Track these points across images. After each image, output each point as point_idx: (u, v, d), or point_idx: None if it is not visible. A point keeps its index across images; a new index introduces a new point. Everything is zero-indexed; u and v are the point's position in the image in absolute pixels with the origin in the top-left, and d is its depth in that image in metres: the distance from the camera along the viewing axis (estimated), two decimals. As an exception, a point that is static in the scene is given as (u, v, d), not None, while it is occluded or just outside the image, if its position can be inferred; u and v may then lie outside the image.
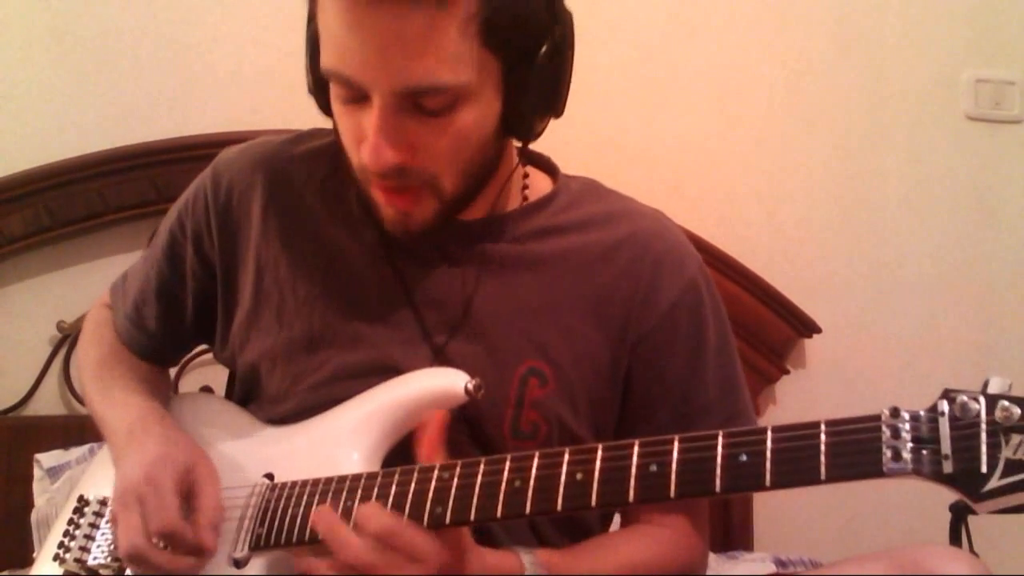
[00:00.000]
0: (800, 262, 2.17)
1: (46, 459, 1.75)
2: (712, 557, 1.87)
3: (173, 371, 1.82)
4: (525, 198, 1.10)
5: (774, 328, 2.10)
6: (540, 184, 1.12)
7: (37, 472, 1.74)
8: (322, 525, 0.88)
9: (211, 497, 0.97)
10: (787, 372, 2.12)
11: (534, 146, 1.06)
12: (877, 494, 2.15)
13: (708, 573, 1.77)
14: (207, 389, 1.70)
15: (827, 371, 2.16)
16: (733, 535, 2.04)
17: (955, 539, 1.66)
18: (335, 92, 0.95)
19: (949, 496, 1.88)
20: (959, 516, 1.68)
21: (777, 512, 2.11)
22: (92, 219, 1.90)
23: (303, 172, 1.12)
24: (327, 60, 0.92)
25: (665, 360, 1.07)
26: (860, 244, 2.20)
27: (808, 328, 2.12)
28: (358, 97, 0.92)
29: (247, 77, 1.98)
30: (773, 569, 1.82)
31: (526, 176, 1.10)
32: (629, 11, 2.13)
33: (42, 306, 1.90)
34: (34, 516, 1.67)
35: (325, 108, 1.01)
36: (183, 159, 1.87)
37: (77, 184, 1.89)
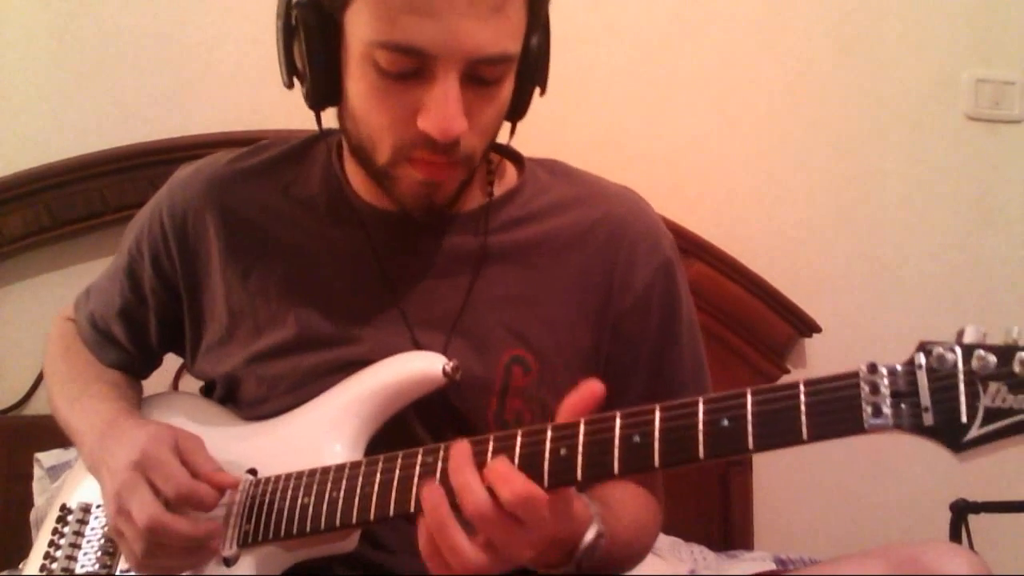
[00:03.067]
0: (800, 262, 2.17)
1: (46, 458, 1.75)
2: (712, 557, 1.87)
3: (173, 370, 1.83)
4: (491, 184, 1.09)
5: (774, 328, 2.10)
6: (508, 173, 1.13)
7: (37, 471, 1.74)
8: (453, 461, 0.82)
9: (204, 456, 0.97)
10: (787, 372, 2.12)
11: (518, 146, 1.06)
12: (878, 494, 2.16)
13: (708, 573, 1.78)
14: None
15: (827, 371, 2.12)
16: (733, 535, 2.04)
17: (955, 538, 1.67)
18: (381, 67, 0.91)
19: (949, 496, 1.89)
20: (960, 516, 1.69)
21: (777, 512, 2.12)
22: (92, 219, 1.90)
23: (262, 184, 1.11)
24: (389, 33, 0.89)
25: (639, 338, 1.08)
26: (860, 244, 2.20)
27: (808, 328, 2.12)
28: (412, 70, 0.91)
29: (247, 77, 1.98)
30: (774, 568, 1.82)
31: (490, 164, 1.10)
32: (629, 11, 2.13)
33: (42, 306, 1.90)
34: (34, 515, 1.67)
35: (320, 94, 0.98)
36: (183, 159, 1.84)
37: (77, 184, 1.89)
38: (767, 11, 2.17)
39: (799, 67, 2.18)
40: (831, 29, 2.19)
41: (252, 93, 1.98)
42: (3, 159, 1.90)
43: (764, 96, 2.17)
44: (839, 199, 2.20)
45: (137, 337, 1.18)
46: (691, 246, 2.04)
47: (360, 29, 0.91)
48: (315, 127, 1.07)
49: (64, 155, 1.90)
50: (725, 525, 2.05)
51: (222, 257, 1.09)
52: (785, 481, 2.12)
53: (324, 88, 0.97)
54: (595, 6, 2.11)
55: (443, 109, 0.90)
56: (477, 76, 0.92)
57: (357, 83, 0.94)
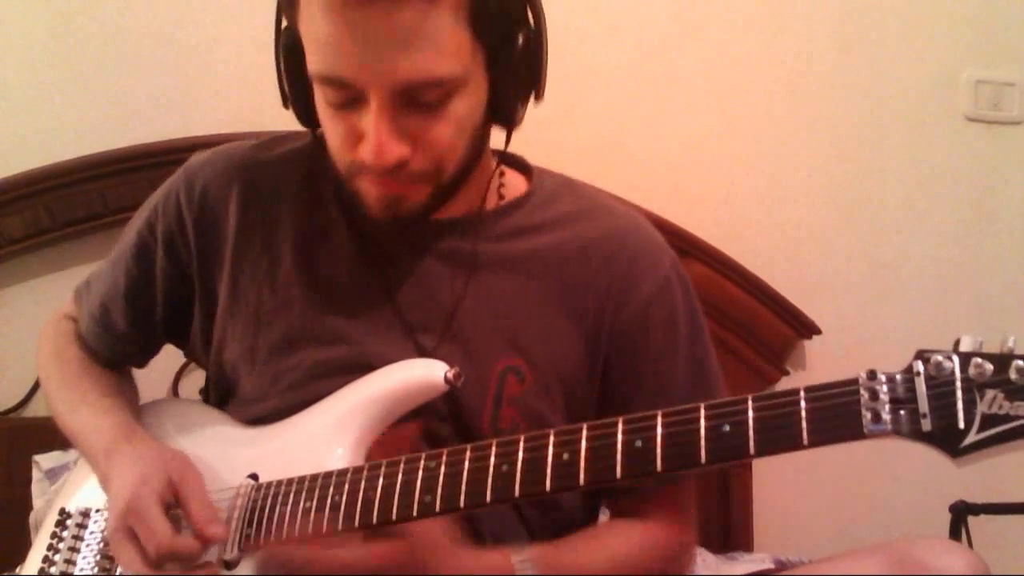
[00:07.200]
0: (800, 262, 2.17)
1: (45, 460, 1.75)
2: (712, 558, 1.87)
3: (173, 371, 1.83)
4: (501, 197, 1.10)
5: (774, 329, 2.10)
6: (515, 183, 1.13)
7: (36, 473, 1.74)
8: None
9: (196, 494, 0.96)
10: (787, 373, 2.12)
11: (517, 147, 1.06)
12: (878, 496, 2.16)
13: (708, 573, 1.78)
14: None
15: (827, 372, 2.12)
16: (733, 535, 2.05)
17: (955, 540, 1.66)
18: (324, 97, 0.95)
19: (949, 498, 1.88)
20: (959, 517, 1.69)
21: (777, 512, 2.11)
22: (92, 220, 1.90)
23: (279, 175, 1.12)
24: (318, 65, 0.93)
25: (639, 355, 1.08)
26: (860, 244, 2.20)
27: (808, 329, 2.12)
28: (350, 99, 0.93)
29: (247, 77, 1.98)
30: (773, 570, 1.82)
31: (502, 175, 1.11)
32: (629, 11, 2.13)
33: (42, 306, 1.89)
34: (32, 518, 1.67)
35: (304, 117, 1.02)
36: (183, 160, 1.83)
37: (77, 184, 1.89)
38: (767, 11, 2.17)
39: (799, 67, 2.18)
40: (831, 29, 2.19)
41: (252, 93, 1.97)
42: (3, 159, 1.89)
43: (764, 96, 2.17)
44: (839, 199, 2.20)
45: (139, 320, 1.18)
46: (691, 247, 2.04)
47: (308, 61, 0.95)
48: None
49: (64, 156, 1.90)
50: (725, 526, 2.05)
51: (236, 240, 1.10)
52: (785, 483, 2.12)
53: (301, 110, 1.02)
54: (595, 6, 2.11)
55: (372, 138, 0.92)
56: (414, 100, 0.92)
57: (318, 108, 0.99)
